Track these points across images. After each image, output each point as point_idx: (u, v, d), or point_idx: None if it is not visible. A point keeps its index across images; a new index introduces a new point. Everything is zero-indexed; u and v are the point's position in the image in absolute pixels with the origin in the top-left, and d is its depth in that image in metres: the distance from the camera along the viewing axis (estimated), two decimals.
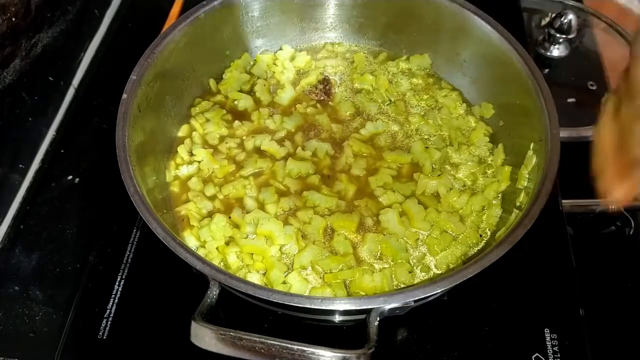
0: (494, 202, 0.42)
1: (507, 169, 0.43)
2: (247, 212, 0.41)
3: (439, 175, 0.44)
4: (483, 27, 0.44)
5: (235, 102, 0.48)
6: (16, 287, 0.45)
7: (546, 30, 0.58)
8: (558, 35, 0.57)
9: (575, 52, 0.59)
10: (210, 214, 0.42)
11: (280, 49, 0.51)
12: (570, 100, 0.55)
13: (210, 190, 0.43)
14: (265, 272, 0.39)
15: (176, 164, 0.45)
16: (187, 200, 0.43)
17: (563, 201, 0.46)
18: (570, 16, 0.56)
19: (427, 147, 0.45)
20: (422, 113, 0.48)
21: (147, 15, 0.64)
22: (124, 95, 0.39)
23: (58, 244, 0.47)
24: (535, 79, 0.40)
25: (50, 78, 0.53)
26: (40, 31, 0.50)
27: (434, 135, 0.46)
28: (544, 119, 0.39)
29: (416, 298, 0.32)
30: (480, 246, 0.40)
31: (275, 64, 0.50)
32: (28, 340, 0.42)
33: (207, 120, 0.47)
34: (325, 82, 0.49)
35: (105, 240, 0.45)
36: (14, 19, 0.46)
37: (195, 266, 0.32)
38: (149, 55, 0.41)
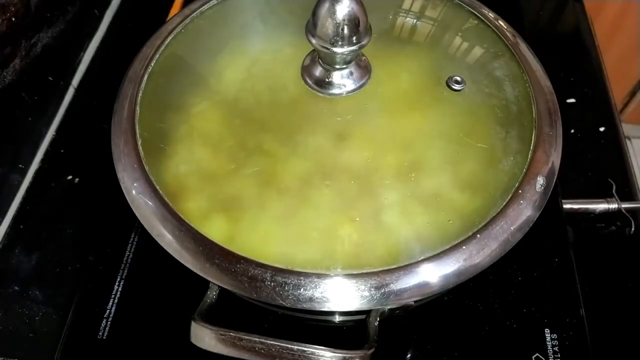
0: (495, 201, 0.42)
1: (509, 167, 0.43)
2: (247, 212, 0.41)
3: (439, 174, 0.43)
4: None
5: (236, 102, 0.48)
6: (16, 287, 0.45)
7: None
8: None
9: None
10: (209, 214, 0.42)
11: (281, 48, 0.51)
12: (570, 100, 0.55)
13: (209, 190, 0.43)
14: None
15: (175, 163, 0.45)
16: (187, 200, 0.42)
17: (563, 201, 0.46)
18: None
19: (428, 146, 0.45)
20: (423, 111, 0.47)
21: (148, 15, 0.64)
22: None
23: (58, 244, 0.47)
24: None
25: (50, 78, 0.53)
26: (40, 31, 0.50)
27: (435, 133, 0.46)
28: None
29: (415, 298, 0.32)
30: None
31: (275, 63, 0.50)
32: (28, 340, 0.42)
33: (208, 119, 0.47)
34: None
35: (105, 240, 0.45)
36: (13, 19, 0.46)
37: None
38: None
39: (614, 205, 0.46)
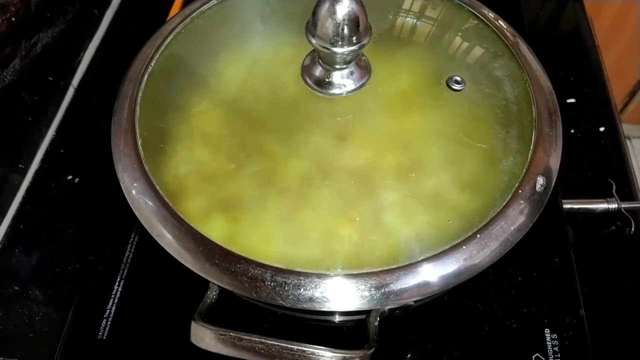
0: (495, 201, 0.42)
1: (509, 167, 0.43)
2: (247, 212, 0.41)
3: (439, 174, 0.43)
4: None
5: (236, 102, 0.48)
6: (16, 287, 0.45)
7: None
8: None
9: None
10: (209, 214, 0.42)
11: (281, 48, 0.51)
12: (570, 100, 0.55)
13: (209, 190, 0.43)
14: None
15: (175, 163, 0.45)
16: (187, 200, 0.42)
17: (563, 201, 0.46)
18: None
19: (428, 146, 0.45)
20: (423, 111, 0.47)
21: (148, 15, 0.64)
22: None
23: (58, 244, 0.47)
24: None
25: (50, 78, 0.53)
26: (40, 31, 0.50)
27: (435, 133, 0.46)
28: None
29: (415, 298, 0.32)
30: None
31: (275, 63, 0.50)
32: (28, 340, 0.42)
33: (208, 119, 0.47)
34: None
35: (105, 240, 0.45)
36: (13, 19, 0.46)
37: None
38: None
39: (614, 205, 0.46)
